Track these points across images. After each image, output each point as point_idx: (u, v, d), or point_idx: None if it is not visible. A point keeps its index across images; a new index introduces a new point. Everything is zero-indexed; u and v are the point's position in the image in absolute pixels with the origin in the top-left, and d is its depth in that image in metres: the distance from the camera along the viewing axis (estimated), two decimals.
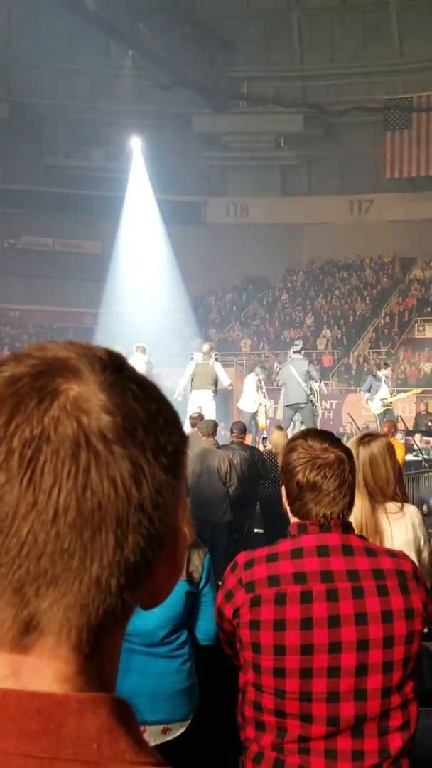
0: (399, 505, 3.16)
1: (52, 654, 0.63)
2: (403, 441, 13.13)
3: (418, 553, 3.10)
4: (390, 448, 3.24)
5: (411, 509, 3.21)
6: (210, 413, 12.49)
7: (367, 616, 2.00)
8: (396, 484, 3.23)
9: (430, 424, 16.31)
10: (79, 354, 0.65)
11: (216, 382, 13.44)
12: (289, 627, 1.99)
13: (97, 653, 0.65)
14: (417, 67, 30.13)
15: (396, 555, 2.15)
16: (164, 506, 0.64)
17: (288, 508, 2.17)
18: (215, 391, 13.53)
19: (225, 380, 13.66)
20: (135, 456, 0.62)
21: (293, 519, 2.14)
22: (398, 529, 3.10)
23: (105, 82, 31.50)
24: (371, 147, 31.50)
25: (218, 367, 13.59)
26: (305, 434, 2.20)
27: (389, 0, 29.70)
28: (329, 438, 2.17)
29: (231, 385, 14.22)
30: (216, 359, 13.90)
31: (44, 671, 0.63)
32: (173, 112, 31.83)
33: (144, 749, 0.63)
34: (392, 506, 3.14)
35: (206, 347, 14.18)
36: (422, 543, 3.15)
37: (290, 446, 2.17)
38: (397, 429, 13.03)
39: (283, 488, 2.18)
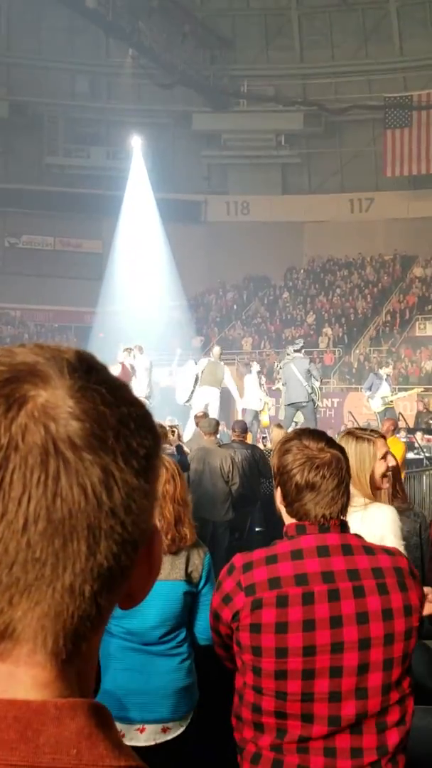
0: (366, 501, 3.15)
1: (28, 661, 0.62)
2: (404, 439, 13.13)
3: None
4: (368, 447, 3.22)
5: (378, 507, 3.17)
6: (215, 411, 12.60)
7: (368, 615, 2.01)
8: (388, 483, 3.26)
9: (430, 422, 16.31)
10: (47, 358, 0.64)
11: (221, 383, 13.63)
12: (292, 629, 1.99)
13: (76, 658, 0.64)
14: (417, 65, 30.06)
15: (392, 553, 2.16)
16: (137, 510, 0.64)
17: (283, 510, 2.16)
18: (220, 392, 13.72)
19: (231, 385, 13.88)
20: (105, 462, 0.62)
21: (290, 520, 2.14)
22: (352, 523, 3.11)
23: (105, 80, 31.50)
24: (371, 145, 31.46)
25: (228, 372, 13.82)
26: (299, 435, 2.19)
27: None
28: (324, 437, 2.18)
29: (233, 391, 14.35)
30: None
31: (21, 678, 0.63)
32: (173, 110, 31.78)
33: (124, 753, 0.63)
34: (358, 500, 3.11)
35: (217, 351, 14.60)
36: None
37: (285, 447, 2.15)
38: (398, 427, 13.02)
39: (277, 490, 2.17)
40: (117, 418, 0.64)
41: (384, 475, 3.24)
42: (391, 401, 14.98)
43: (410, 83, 30.59)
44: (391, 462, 3.28)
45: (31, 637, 0.62)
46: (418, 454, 13.02)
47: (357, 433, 3.35)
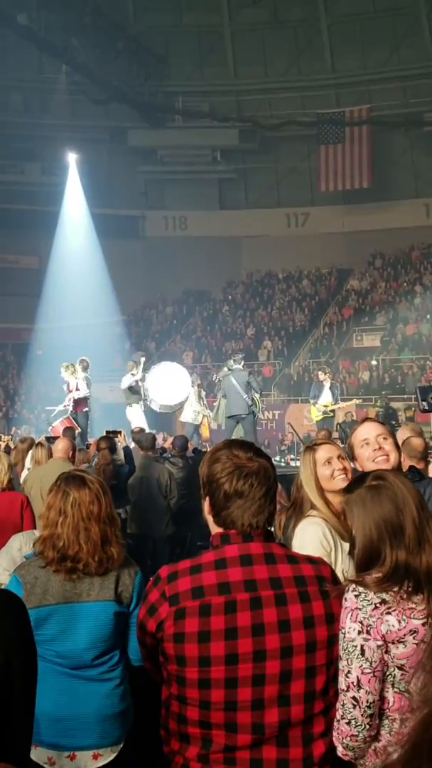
0: (310, 512, 3.19)
1: None
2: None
3: None
4: (309, 455, 3.31)
5: (303, 523, 3.18)
6: (136, 424, 12.56)
7: (290, 623, 2.02)
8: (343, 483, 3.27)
9: (347, 429, 16.31)
10: None
11: (130, 394, 13.64)
12: (214, 638, 1.99)
13: None
14: (348, 81, 30.64)
15: (316, 561, 2.18)
16: None
17: (210, 520, 2.17)
18: (130, 403, 13.63)
19: (124, 383, 13.72)
20: None
21: (216, 529, 2.15)
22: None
23: (39, 96, 31.25)
24: (306, 160, 31.87)
25: (124, 380, 13.71)
26: (228, 445, 2.21)
27: (320, 16, 30.20)
28: (252, 447, 2.20)
29: (136, 382, 14.07)
30: (132, 373, 14.00)
31: None
32: (108, 126, 31.75)
33: None
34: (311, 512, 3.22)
35: (129, 364, 14.36)
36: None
37: (213, 457, 2.17)
38: (332, 436, 13.04)
39: (206, 500, 2.17)
40: None
41: (333, 478, 3.22)
42: (332, 410, 14.91)
43: (342, 99, 31.14)
44: (338, 465, 3.26)
45: None
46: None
47: (308, 445, 3.46)
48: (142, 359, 14.80)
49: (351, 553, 3.18)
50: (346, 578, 2.23)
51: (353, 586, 2.15)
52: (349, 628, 2.10)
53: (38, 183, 30.94)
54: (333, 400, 14.89)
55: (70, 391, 13.35)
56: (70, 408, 13.25)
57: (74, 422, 12.75)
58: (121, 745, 2.87)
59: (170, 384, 14.18)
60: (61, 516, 2.88)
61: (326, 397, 14.86)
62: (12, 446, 10.32)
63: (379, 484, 2.28)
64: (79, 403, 13.32)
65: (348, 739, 2.08)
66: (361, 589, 2.14)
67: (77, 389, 13.27)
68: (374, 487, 2.28)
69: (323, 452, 3.29)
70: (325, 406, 14.79)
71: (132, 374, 14.03)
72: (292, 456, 15.06)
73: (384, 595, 2.13)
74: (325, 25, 30.33)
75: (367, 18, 29.70)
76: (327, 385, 15.09)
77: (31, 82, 30.81)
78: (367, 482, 2.31)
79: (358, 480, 2.40)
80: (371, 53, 30.12)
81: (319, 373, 15.77)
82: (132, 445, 10.42)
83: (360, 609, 2.11)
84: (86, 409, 13.52)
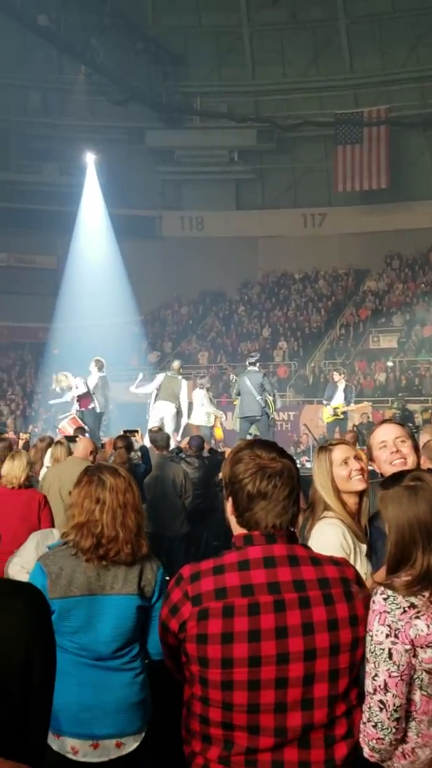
0: (325, 514, 3.16)
1: None
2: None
3: None
4: (324, 455, 3.24)
5: (321, 524, 3.15)
6: (168, 426, 12.54)
7: (313, 625, 2.01)
8: (360, 486, 3.21)
9: (365, 432, 16.16)
10: None
11: (177, 398, 13.52)
12: (237, 640, 1.98)
13: None
14: (367, 81, 30.51)
15: (339, 563, 2.16)
16: None
17: (233, 520, 2.15)
18: (178, 407, 13.54)
19: (183, 401, 13.65)
20: None
21: (238, 530, 2.13)
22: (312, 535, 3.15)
23: (58, 97, 31.37)
24: (323, 161, 31.77)
25: (184, 387, 13.58)
26: (251, 445, 2.19)
27: (338, 16, 30.12)
28: (275, 448, 2.18)
29: (180, 412, 13.97)
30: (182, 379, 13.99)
31: None
32: (127, 126, 31.78)
33: None
34: (325, 513, 3.18)
35: (176, 365, 14.32)
36: None
37: (236, 457, 2.15)
38: (359, 438, 12.89)
39: (228, 500, 2.16)
40: None
41: (351, 479, 3.18)
42: (343, 412, 14.77)
43: (360, 100, 31.02)
44: (356, 466, 3.20)
45: None
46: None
47: (322, 444, 3.40)
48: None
49: (368, 555, 3.17)
50: (374, 581, 2.22)
51: (382, 588, 2.14)
52: (377, 631, 2.09)
53: (56, 183, 30.99)
54: (345, 402, 14.78)
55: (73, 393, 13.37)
56: (76, 408, 13.21)
57: (80, 421, 12.70)
58: (143, 734, 2.91)
59: (197, 408, 14.32)
60: (98, 503, 2.91)
61: (338, 399, 14.77)
62: (30, 444, 10.35)
63: (416, 485, 2.27)
64: (82, 399, 13.22)
65: (374, 741, 2.08)
66: (389, 592, 2.13)
67: (76, 387, 13.24)
68: (411, 487, 2.27)
69: (340, 452, 3.24)
70: (335, 408, 14.71)
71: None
72: (307, 458, 15.01)
73: (413, 599, 2.12)
74: (344, 25, 30.21)
75: (386, 18, 29.57)
76: (341, 386, 14.98)
77: (50, 82, 30.93)
78: (405, 481, 2.30)
79: (394, 478, 2.39)
80: (390, 54, 29.98)
81: (334, 374, 15.71)
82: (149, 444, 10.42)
83: (388, 612, 2.10)
84: (92, 405, 13.27)
